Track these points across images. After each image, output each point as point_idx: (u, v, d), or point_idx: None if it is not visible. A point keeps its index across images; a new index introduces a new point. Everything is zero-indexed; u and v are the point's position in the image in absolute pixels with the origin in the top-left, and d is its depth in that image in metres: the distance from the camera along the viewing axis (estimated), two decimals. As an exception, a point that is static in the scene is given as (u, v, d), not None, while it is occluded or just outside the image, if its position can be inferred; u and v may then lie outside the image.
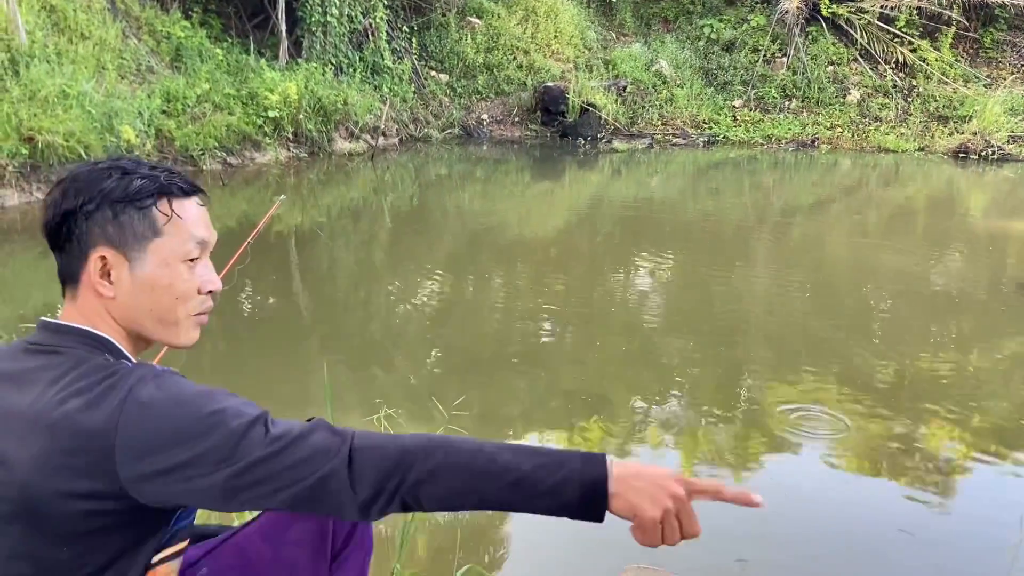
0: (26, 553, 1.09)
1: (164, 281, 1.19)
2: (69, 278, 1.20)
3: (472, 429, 3.48)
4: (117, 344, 1.18)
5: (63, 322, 1.18)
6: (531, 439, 3.78)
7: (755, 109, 14.43)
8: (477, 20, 14.21)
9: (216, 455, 1.04)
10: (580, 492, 1.06)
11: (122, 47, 9.55)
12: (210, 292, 1.25)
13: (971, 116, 13.45)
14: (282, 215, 7.66)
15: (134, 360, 1.20)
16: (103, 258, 1.16)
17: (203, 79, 9.92)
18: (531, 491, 1.06)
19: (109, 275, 1.17)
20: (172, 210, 1.19)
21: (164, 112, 9.21)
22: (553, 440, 3.76)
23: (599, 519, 1.08)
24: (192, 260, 1.21)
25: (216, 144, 9.46)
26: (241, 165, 9.74)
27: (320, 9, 11.41)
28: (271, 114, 10.12)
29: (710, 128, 14.03)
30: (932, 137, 13.48)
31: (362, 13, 12.00)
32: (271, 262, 6.41)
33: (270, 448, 1.05)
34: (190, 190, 1.23)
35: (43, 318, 1.20)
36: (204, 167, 9.21)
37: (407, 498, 1.07)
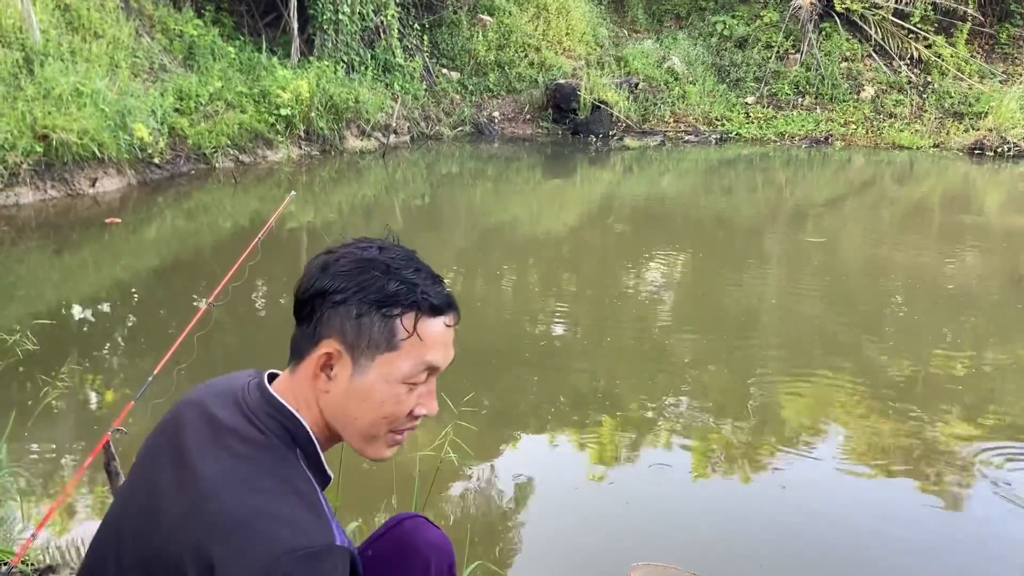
0: None
1: (378, 397, 1.13)
2: (296, 353, 1.17)
3: (481, 425, 3.48)
4: (312, 436, 1.14)
5: (278, 397, 1.15)
6: (541, 435, 3.77)
7: (768, 106, 14.34)
8: (488, 18, 14.19)
9: None
10: None
11: (135, 45, 9.60)
12: (420, 416, 1.18)
13: (987, 112, 13.31)
14: (294, 212, 7.68)
15: (322, 454, 1.16)
16: (331, 353, 1.12)
17: (215, 77, 9.95)
18: None
19: (331, 369, 1.13)
20: (415, 328, 1.12)
21: (177, 110, 9.25)
22: (563, 436, 3.75)
23: None
24: (415, 384, 1.14)
25: (228, 142, 9.50)
26: (253, 163, 9.77)
27: (332, 7, 11.42)
28: (283, 112, 10.15)
29: (722, 125, 13.95)
30: (947, 134, 13.35)
31: (373, 11, 12.00)
32: (282, 259, 6.42)
33: None
34: (442, 309, 1.16)
35: (265, 381, 1.18)
36: (217, 165, 9.26)
37: None
